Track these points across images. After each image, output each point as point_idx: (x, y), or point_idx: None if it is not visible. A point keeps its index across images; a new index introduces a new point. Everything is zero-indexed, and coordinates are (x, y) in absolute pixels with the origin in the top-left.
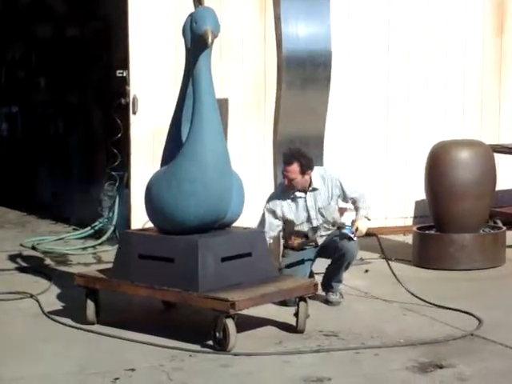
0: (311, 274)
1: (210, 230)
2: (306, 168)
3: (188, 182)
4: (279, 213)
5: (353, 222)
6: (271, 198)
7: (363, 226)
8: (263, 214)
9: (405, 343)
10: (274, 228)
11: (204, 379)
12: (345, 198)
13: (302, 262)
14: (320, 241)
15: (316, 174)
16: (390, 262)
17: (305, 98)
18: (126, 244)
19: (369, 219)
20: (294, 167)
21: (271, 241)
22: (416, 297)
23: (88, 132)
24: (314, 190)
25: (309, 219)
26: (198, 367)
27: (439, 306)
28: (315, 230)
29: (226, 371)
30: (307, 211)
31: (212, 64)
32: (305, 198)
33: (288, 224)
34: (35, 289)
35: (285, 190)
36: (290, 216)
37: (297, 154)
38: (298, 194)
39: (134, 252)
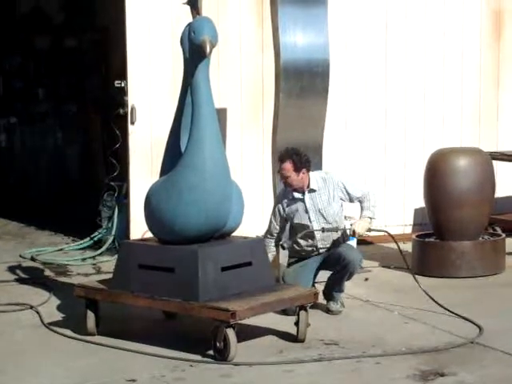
0: (313, 283)
1: (209, 240)
2: (299, 165)
3: (187, 192)
4: (282, 213)
5: (351, 225)
6: (275, 201)
7: (360, 228)
8: (270, 218)
9: (406, 351)
10: (274, 232)
11: None
12: (351, 200)
13: (306, 265)
14: (321, 245)
15: (317, 176)
16: (388, 269)
17: (303, 107)
18: (126, 254)
19: (373, 218)
20: (287, 165)
21: (273, 249)
22: (440, 305)
23: (87, 142)
24: (312, 191)
25: (309, 220)
26: (199, 377)
27: (452, 312)
28: (307, 236)
29: (227, 381)
30: (307, 212)
31: (210, 73)
32: (303, 198)
33: (291, 226)
34: (35, 300)
35: (287, 191)
36: (291, 216)
37: (290, 152)
38: (295, 194)
39: (133, 262)
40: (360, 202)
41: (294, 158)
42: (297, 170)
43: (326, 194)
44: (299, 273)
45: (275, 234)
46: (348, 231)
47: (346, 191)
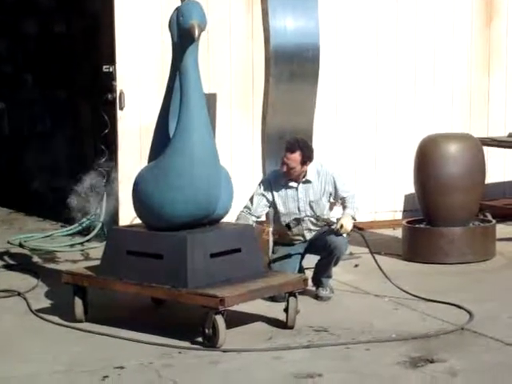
0: (301, 269)
1: (198, 226)
2: (306, 159)
3: (176, 177)
4: (269, 197)
5: (337, 220)
6: (263, 183)
7: (348, 224)
8: (252, 195)
9: (396, 338)
10: (259, 211)
11: (193, 376)
12: (336, 197)
13: (289, 256)
14: (308, 235)
15: (312, 167)
16: (379, 256)
17: (293, 92)
18: (114, 240)
19: (355, 219)
20: (296, 156)
21: (253, 223)
22: (405, 291)
23: (75, 128)
24: (307, 182)
25: (298, 210)
26: (188, 364)
27: (428, 300)
28: (298, 221)
29: (216, 368)
30: (297, 201)
31: (199, 58)
32: (296, 188)
33: (276, 213)
34: (23, 286)
35: (279, 176)
36: (279, 202)
37: (301, 144)
38: (290, 183)
39: (122, 248)
40: (344, 201)
41: (304, 151)
42: (303, 162)
43: (318, 187)
44: (285, 259)
45: (252, 213)
46: (334, 226)
47: (335, 186)
